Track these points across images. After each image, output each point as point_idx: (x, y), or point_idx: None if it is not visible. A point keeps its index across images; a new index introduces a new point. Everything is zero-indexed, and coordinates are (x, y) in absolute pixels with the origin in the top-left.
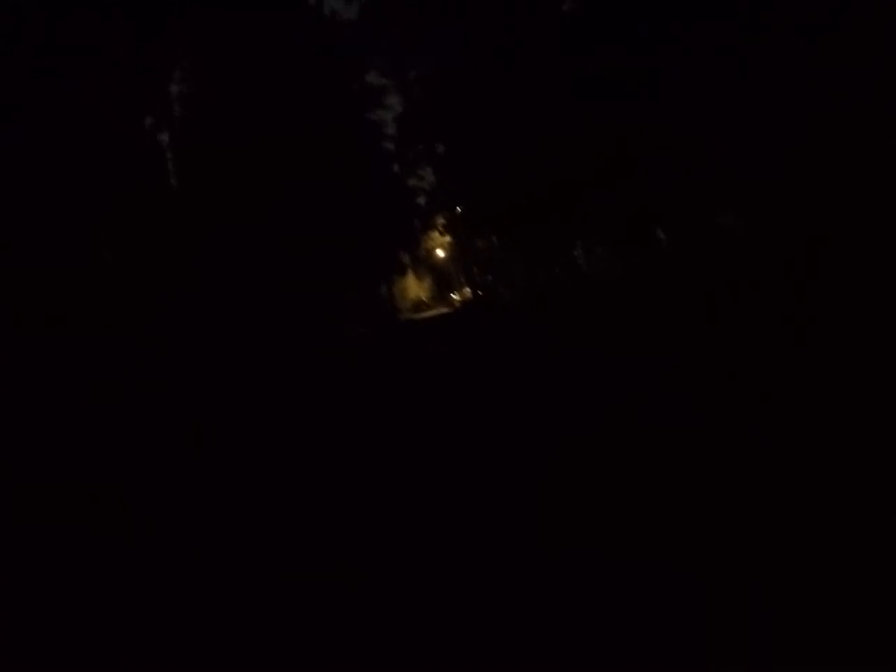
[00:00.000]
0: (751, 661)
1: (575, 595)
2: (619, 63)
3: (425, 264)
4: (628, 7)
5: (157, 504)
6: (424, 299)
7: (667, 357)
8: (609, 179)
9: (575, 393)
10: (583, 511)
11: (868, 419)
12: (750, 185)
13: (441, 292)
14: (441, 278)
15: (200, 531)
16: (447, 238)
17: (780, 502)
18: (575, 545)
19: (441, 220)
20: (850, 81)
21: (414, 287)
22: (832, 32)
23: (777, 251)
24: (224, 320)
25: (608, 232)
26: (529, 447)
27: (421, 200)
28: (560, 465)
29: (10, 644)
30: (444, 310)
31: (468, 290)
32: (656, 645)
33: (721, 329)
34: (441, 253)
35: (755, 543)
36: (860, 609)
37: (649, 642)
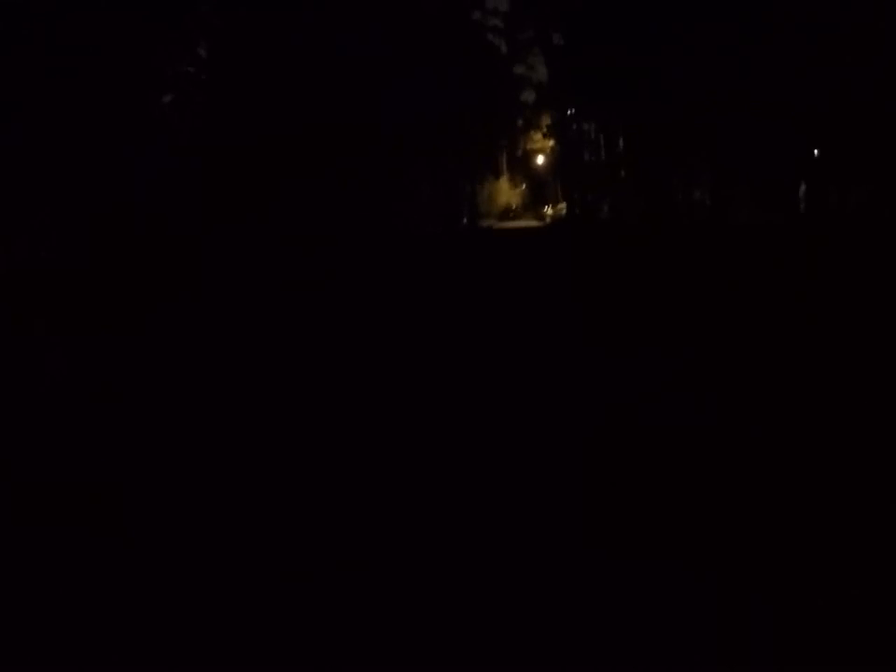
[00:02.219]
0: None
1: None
2: None
3: (522, 168)
4: None
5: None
6: (514, 206)
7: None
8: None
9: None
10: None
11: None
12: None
13: (534, 202)
14: (537, 187)
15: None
16: (550, 142)
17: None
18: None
19: (546, 121)
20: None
21: (506, 192)
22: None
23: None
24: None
25: (738, 176)
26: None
27: (528, 94)
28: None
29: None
30: (533, 223)
31: (562, 206)
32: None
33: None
34: (540, 159)
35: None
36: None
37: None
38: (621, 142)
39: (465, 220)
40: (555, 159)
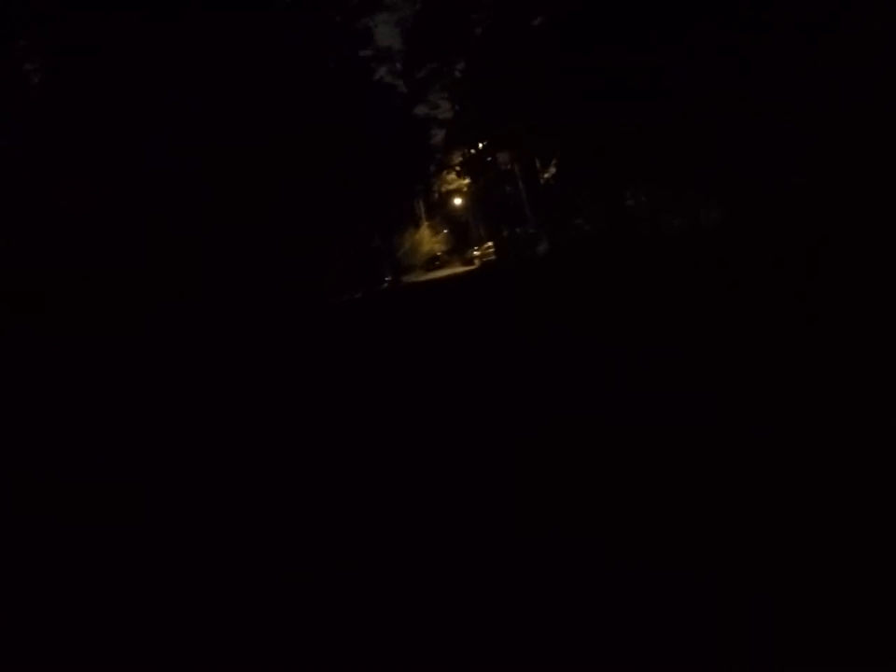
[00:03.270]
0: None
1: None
2: None
3: (441, 213)
4: None
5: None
6: (439, 254)
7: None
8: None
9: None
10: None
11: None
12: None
13: (458, 246)
14: (459, 230)
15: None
16: (466, 182)
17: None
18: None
19: (457, 158)
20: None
21: (429, 240)
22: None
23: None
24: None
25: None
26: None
27: (435, 133)
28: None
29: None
30: (461, 269)
31: (488, 246)
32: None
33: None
34: (458, 201)
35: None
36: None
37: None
38: (541, 167)
39: (387, 279)
40: (473, 198)
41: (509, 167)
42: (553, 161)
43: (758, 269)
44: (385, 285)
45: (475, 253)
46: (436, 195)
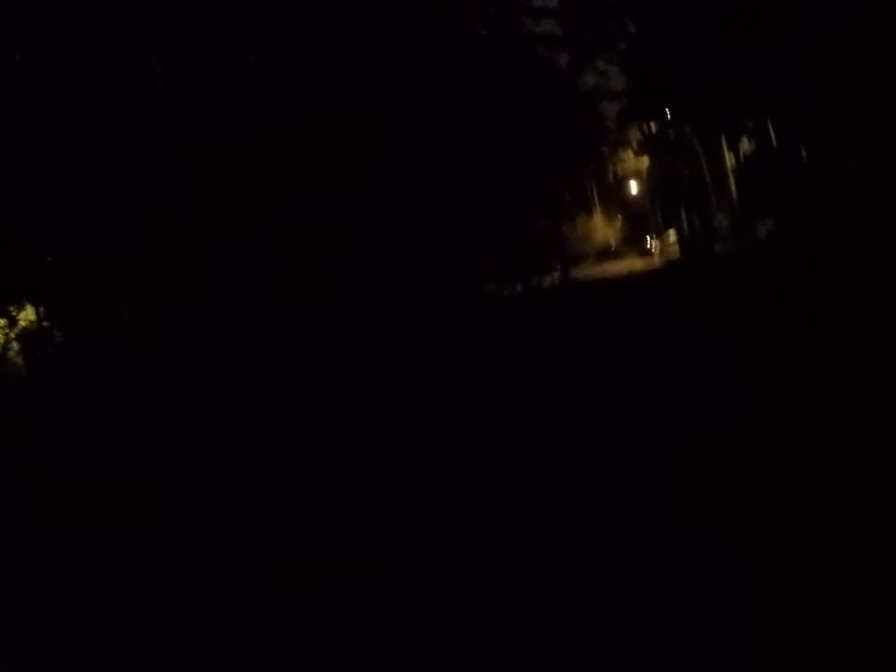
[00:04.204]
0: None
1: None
2: None
3: (615, 198)
4: None
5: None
6: (612, 243)
7: None
8: None
9: None
10: None
11: None
12: None
13: (633, 235)
14: (635, 217)
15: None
16: (644, 163)
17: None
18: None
19: (636, 136)
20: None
21: (602, 228)
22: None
23: None
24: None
25: None
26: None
27: (605, 108)
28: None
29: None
30: (638, 262)
31: (670, 235)
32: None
33: None
34: (634, 186)
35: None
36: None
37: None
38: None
39: (557, 270)
40: (651, 182)
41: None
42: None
43: None
44: (552, 278)
45: (653, 244)
46: (611, 177)
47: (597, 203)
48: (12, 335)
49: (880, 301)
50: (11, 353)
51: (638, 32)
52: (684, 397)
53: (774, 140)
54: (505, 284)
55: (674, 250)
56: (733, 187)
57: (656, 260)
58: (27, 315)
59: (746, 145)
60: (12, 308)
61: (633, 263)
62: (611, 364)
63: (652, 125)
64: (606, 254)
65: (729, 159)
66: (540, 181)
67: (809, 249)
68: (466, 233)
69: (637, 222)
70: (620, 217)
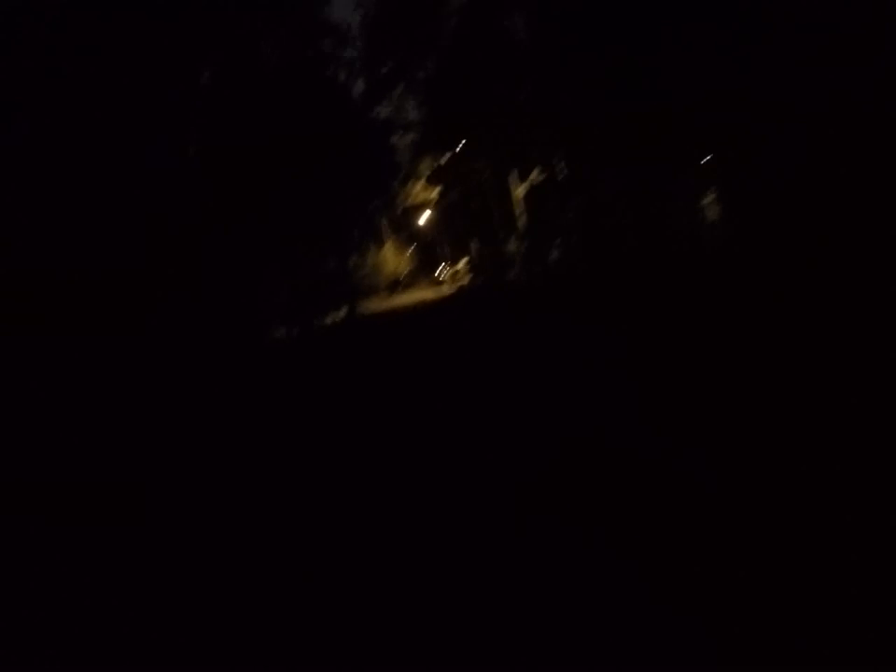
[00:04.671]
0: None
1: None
2: None
3: (405, 229)
4: None
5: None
6: (403, 275)
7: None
8: None
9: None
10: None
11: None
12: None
13: (423, 267)
14: (425, 248)
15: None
16: (434, 194)
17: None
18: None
19: (426, 167)
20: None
21: (392, 260)
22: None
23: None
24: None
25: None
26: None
27: (397, 139)
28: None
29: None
30: (429, 292)
31: (460, 265)
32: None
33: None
34: (424, 216)
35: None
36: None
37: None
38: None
39: (347, 305)
40: (441, 213)
41: (483, 177)
42: (536, 170)
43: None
44: (339, 314)
45: (444, 274)
46: (400, 209)
47: (388, 235)
48: None
49: (665, 321)
50: None
51: (439, 62)
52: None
53: (564, 169)
54: (293, 325)
55: (466, 279)
56: (523, 216)
57: (446, 289)
58: None
59: (535, 174)
60: None
61: (424, 294)
62: (397, 398)
63: (444, 157)
64: (397, 286)
65: (520, 189)
66: (326, 217)
67: (598, 272)
68: (244, 275)
69: (427, 254)
70: (410, 249)
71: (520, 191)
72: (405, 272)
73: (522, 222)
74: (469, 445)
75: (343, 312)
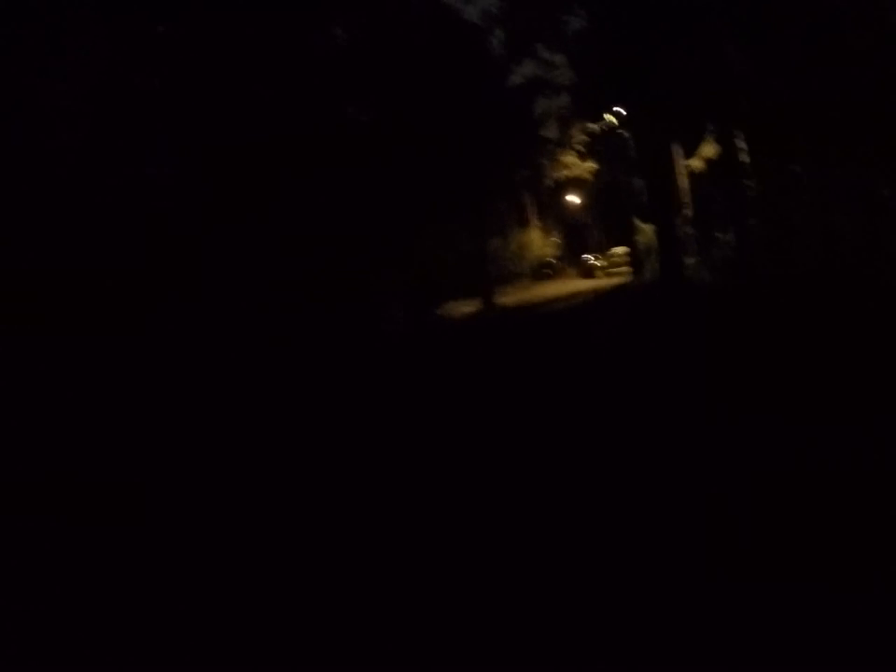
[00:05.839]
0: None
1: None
2: None
3: (552, 210)
4: None
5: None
6: (550, 260)
7: None
8: None
9: None
10: None
11: None
12: None
13: (572, 252)
14: (575, 232)
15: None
16: (588, 167)
17: None
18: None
19: (579, 136)
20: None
21: (539, 243)
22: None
23: None
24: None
25: None
26: None
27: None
28: None
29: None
30: (580, 283)
31: (617, 252)
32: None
33: None
34: (576, 195)
35: None
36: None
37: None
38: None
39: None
40: (595, 193)
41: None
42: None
43: None
44: (472, 304)
45: (595, 262)
46: (550, 185)
47: (535, 217)
48: None
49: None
50: None
51: (592, 15)
52: None
53: (745, 147)
54: (410, 316)
55: (624, 270)
56: (688, 199)
57: (603, 282)
58: None
59: (709, 149)
60: None
61: (576, 284)
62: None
63: (601, 126)
64: (542, 272)
65: (685, 166)
66: (459, 189)
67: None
68: (361, 257)
69: (577, 238)
70: (558, 232)
71: (692, 165)
72: (553, 256)
73: (689, 205)
74: None
75: (475, 303)
